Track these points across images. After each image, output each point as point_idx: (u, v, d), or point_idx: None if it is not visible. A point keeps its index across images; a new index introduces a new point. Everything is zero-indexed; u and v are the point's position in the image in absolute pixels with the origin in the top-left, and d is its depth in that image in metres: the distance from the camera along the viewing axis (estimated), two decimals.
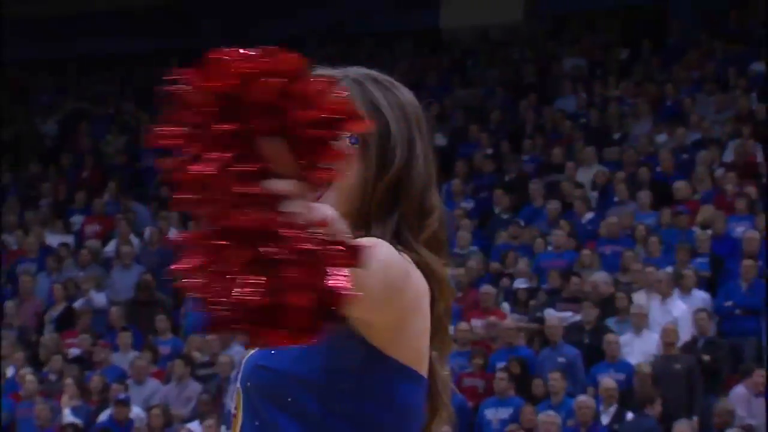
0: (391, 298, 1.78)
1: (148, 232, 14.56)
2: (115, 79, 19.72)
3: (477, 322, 11.55)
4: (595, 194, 13.75)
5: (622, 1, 18.12)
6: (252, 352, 1.92)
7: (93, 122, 18.04)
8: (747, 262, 11.15)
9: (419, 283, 1.86)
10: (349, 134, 1.87)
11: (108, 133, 17.55)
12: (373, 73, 2.02)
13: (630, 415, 10.02)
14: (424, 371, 1.91)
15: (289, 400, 1.86)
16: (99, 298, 13.43)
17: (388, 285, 1.76)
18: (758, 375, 10.13)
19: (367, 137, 1.92)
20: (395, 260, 1.80)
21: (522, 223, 13.39)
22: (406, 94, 2.00)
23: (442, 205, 1.97)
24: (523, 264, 12.40)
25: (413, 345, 1.87)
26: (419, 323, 1.87)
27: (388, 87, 1.98)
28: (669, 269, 11.59)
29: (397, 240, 1.89)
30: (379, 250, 1.75)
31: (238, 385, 1.93)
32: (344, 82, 1.97)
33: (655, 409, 9.86)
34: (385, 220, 1.91)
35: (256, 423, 1.89)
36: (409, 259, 1.86)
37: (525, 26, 18.40)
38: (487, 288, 11.83)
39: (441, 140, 15.18)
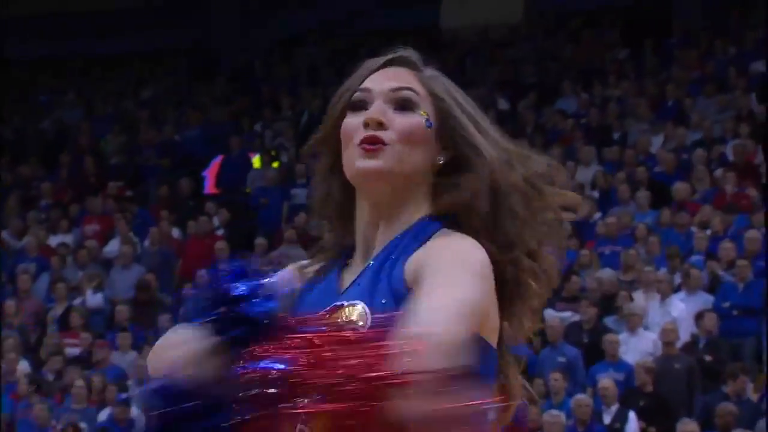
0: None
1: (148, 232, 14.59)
2: (115, 78, 19.72)
3: None
4: (594, 194, 13.75)
5: (622, 0, 18.13)
6: None
7: (93, 121, 18.05)
8: (741, 263, 11.16)
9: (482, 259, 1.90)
10: (425, 117, 2.00)
11: (108, 132, 17.55)
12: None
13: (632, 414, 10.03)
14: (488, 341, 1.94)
15: None
16: (96, 299, 13.44)
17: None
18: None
19: (448, 124, 2.02)
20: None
21: None
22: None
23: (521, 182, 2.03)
24: None
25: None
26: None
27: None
28: (666, 269, 11.60)
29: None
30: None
31: None
32: (432, 79, 2.06)
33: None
34: (463, 198, 1.98)
35: None
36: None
37: (525, 25, 18.41)
38: None
39: None
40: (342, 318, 1.92)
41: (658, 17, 17.48)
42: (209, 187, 16.46)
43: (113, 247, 14.51)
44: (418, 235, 1.98)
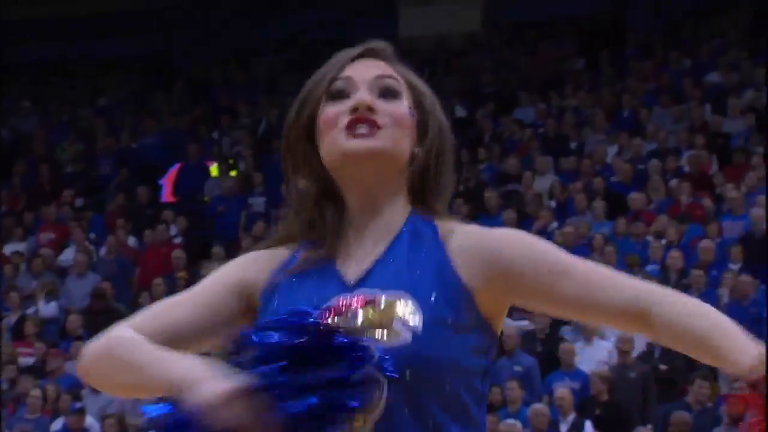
0: None
1: (100, 240, 14.48)
2: (71, 86, 19.58)
3: None
4: (551, 203, 13.83)
5: (579, 11, 18.26)
6: (388, 339, 1.82)
7: (49, 129, 17.90)
8: (696, 272, 11.25)
9: None
10: (409, 106, 1.97)
11: (64, 140, 17.42)
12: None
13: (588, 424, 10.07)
14: None
15: (447, 389, 1.83)
16: (50, 308, 13.32)
17: None
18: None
19: (428, 117, 2.00)
20: None
21: None
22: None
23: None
24: None
25: None
26: None
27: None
28: None
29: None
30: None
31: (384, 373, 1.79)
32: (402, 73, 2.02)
33: None
34: (439, 199, 1.99)
35: (427, 421, 1.81)
36: None
37: (483, 35, 18.49)
38: None
39: None
40: (394, 313, 1.81)
41: (613, 29, 17.62)
42: (166, 195, 16.38)
43: (68, 255, 14.39)
44: (425, 231, 1.92)
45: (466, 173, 14.78)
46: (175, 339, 1.92)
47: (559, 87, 16.36)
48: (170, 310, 1.97)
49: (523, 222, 13.39)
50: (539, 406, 10.08)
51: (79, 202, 15.98)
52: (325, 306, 1.85)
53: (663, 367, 10.61)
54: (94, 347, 1.92)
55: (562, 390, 10.21)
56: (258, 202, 14.94)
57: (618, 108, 15.52)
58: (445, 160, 1.99)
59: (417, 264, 1.88)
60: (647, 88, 15.82)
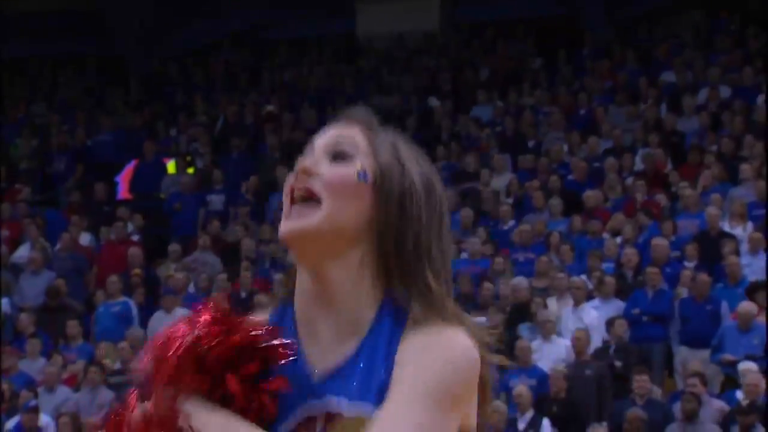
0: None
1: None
2: (26, 82, 19.40)
3: None
4: (509, 201, 13.89)
5: (536, 11, 18.35)
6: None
7: (2, 125, 17.72)
8: (652, 270, 11.34)
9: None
10: (359, 169, 1.83)
11: (18, 137, 17.26)
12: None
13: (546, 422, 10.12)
14: None
15: None
16: (3, 305, 13.19)
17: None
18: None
19: (384, 180, 1.84)
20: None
21: None
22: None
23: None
24: None
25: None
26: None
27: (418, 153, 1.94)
28: (583, 276, 11.75)
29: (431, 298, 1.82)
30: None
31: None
32: (379, 134, 1.91)
33: None
34: (416, 277, 1.81)
35: None
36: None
37: (441, 34, 18.52)
38: None
39: None
40: None
41: (570, 29, 17.73)
42: (123, 192, 16.27)
43: (23, 252, 14.26)
44: (390, 336, 1.80)
45: None
46: None
47: (517, 86, 16.42)
48: None
49: (481, 219, 13.44)
50: (497, 404, 10.12)
51: (33, 199, 15.84)
52: (292, 419, 1.80)
53: (618, 363, 10.68)
54: None
55: (520, 387, 10.26)
56: (216, 200, 14.88)
57: (575, 106, 15.61)
58: (420, 227, 1.82)
59: (383, 376, 1.78)
60: (603, 87, 15.93)
